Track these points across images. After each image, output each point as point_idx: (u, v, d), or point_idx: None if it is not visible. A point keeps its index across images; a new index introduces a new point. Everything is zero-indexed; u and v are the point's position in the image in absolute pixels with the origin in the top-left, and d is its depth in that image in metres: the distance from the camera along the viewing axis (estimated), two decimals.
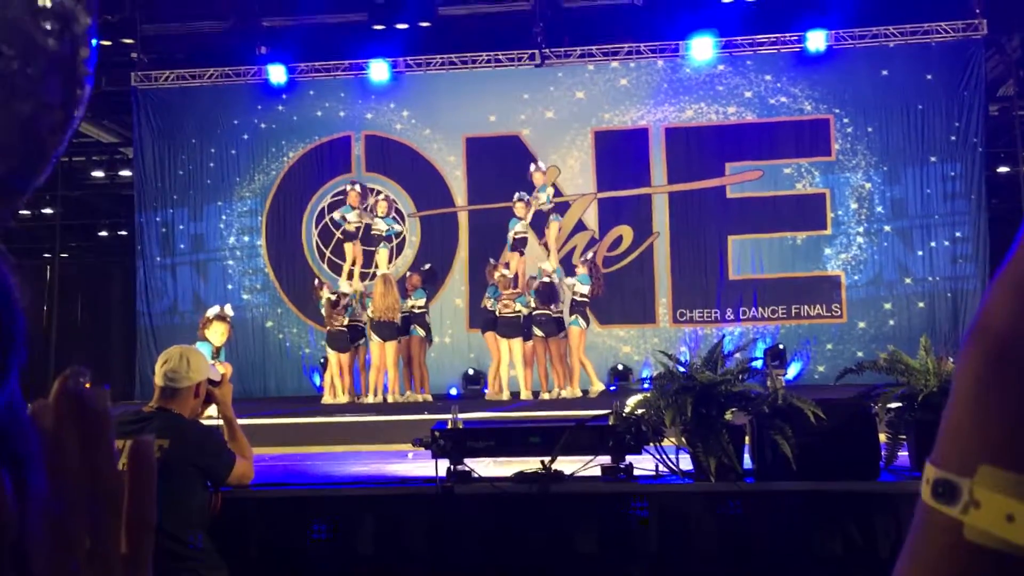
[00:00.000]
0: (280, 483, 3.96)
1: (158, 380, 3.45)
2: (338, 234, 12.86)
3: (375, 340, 10.84)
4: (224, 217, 14.20)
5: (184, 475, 3.27)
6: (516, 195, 11.68)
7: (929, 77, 12.99)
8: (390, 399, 10.90)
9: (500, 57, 13.73)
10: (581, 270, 10.98)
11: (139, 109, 14.23)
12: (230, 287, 13.91)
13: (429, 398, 10.97)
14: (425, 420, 5.97)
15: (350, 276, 11.87)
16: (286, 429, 7.34)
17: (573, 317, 10.78)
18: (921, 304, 12.78)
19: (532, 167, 11.91)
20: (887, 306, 12.91)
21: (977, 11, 12.72)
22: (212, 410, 3.76)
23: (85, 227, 19.48)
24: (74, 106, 0.56)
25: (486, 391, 11.38)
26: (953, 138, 12.91)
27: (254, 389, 13.23)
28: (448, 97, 13.80)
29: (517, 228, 11.52)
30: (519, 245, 11.47)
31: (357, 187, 12.36)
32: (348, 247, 12.14)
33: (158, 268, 14.15)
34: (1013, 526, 0.39)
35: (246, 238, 14.12)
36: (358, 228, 12.12)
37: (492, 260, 11.51)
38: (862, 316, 12.93)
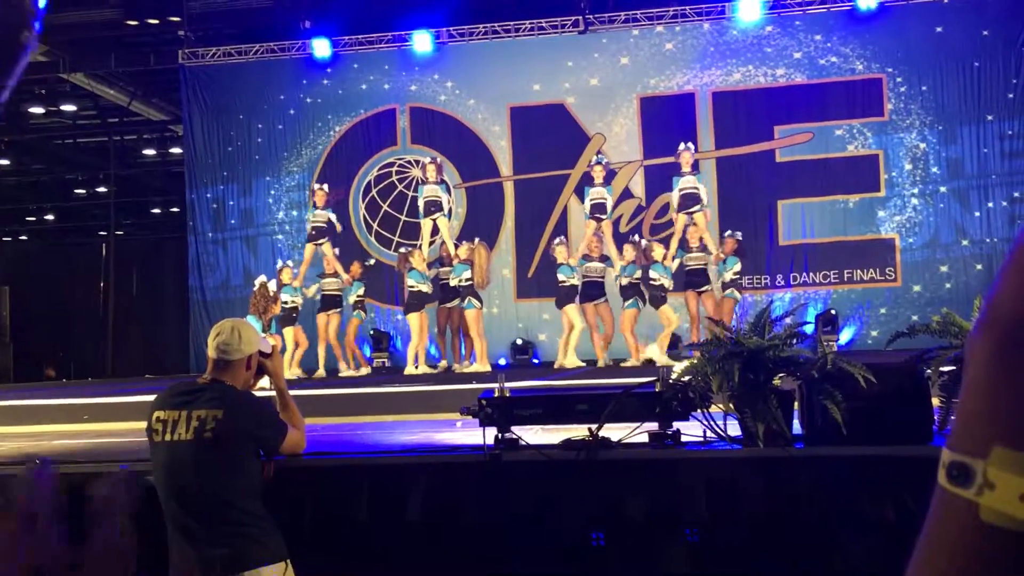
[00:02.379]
0: (331, 452, 4.03)
1: (211, 352, 3.51)
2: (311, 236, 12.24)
3: (474, 307, 10.87)
4: (273, 192, 14.36)
5: (238, 445, 3.34)
6: (594, 158, 11.64)
7: (985, 33, 12.61)
8: (457, 367, 11.06)
9: (543, 25, 13.62)
10: (659, 255, 10.72)
11: (187, 86, 14.40)
12: (280, 262, 14.08)
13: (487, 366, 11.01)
14: (473, 389, 6.01)
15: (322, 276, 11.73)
16: (336, 400, 7.45)
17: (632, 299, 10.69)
18: (979, 266, 12.51)
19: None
20: (943, 269, 12.64)
21: None
22: (264, 382, 3.83)
23: (138, 204, 19.87)
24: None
25: (536, 360, 11.40)
26: (1011, 96, 12.54)
27: (305, 361, 13.41)
28: (492, 67, 13.75)
29: (593, 194, 11.24)
30: (597, 211, 11.18)
31: (325, 187, 12.19)
32: (308, 248, 11.93)
33: (210, 243, 14.37)
34: None
35: (294, 212, 14.27)
36: (318, 229, 11.93)
37: (561, 237, 11.48)
38: (917, 279, 12.68)
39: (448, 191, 12.73)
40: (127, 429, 5.92)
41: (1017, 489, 0.40)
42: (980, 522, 0.42)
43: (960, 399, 0.45)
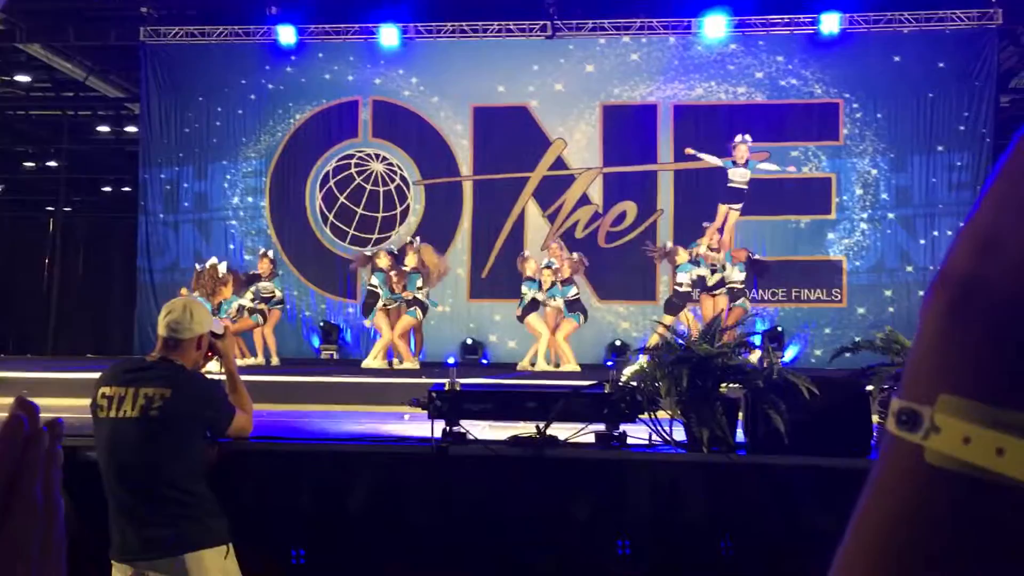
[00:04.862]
0: (278, 437, 4.01)
1: (161, 331, 3.48)
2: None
3: (415, 316, 11.06)
4: (228, 177, 14.18)
5: (185, 425, 3.32)
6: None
7: (941, 65, 12.93)
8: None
9: (511, 27, 13.65)
10: (683, 258, 11.02)
11: (147, 65, 14.16)
12: (232, 247, 13.92)
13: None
14: (423, 383, 6.01)
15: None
16: (285, 387, 7.40)
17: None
18: (921, 292, 12.76)
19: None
20: (887, 293, 12.94)
21: (993, 0, 12.64)
22: (212, 365, 3.80)
23: (90, 182, 19.48)
24: None
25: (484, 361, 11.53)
26: (962, 128, 12.87)
27: (255, 349, 13.28)
28: (457, 65, 13.75)
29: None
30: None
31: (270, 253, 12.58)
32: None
33: (161, 225, 14.15)
34: (969, 448, 0.43)
35: (250, 199, 14.10)
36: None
37: (525, 252, 11.70)
38: (862, 302, 12.96)
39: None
40: (67, 406, 5.82)
41: (960, 432, 0.44)
42: (925, 464, 0.45)
43: (912, 351, 0.48)
